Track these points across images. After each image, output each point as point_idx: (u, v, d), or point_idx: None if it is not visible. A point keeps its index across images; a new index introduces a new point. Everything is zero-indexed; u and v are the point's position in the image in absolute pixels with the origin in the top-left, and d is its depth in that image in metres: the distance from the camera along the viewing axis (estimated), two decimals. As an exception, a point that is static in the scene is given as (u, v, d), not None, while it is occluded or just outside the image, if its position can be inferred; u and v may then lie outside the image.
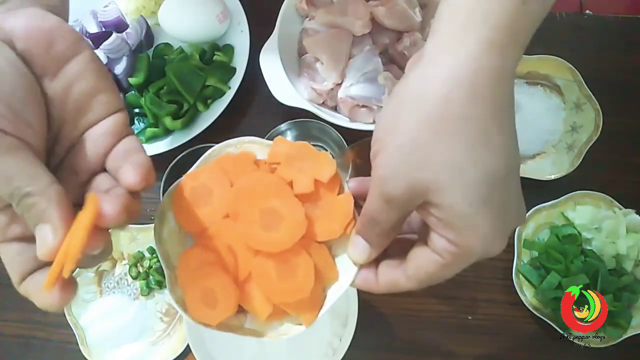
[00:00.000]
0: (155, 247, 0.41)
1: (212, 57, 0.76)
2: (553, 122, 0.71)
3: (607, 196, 0.67)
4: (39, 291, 0.28)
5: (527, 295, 0.64)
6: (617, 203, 0.67)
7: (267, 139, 0.69)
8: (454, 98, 0.28)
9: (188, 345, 0.61)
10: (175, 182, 0.42)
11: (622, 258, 0.64)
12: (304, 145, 0.46)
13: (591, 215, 0.65)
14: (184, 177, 0.42)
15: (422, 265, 0.32)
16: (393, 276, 0.34)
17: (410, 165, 0.29)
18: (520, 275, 0.65)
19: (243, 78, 0.74)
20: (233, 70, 0.75)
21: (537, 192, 0.67)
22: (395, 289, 0.34)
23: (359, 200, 0.38)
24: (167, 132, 0.74)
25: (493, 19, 0.28)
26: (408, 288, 0.33)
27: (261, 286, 0.38)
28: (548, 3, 0.30)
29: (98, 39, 0.75)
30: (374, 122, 0.67)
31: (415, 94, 0.30)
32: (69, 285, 0.28)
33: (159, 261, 0.69)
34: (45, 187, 0.27)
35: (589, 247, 0.65)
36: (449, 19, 0.30)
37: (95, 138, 0.32)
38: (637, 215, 0.65)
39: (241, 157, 0.46)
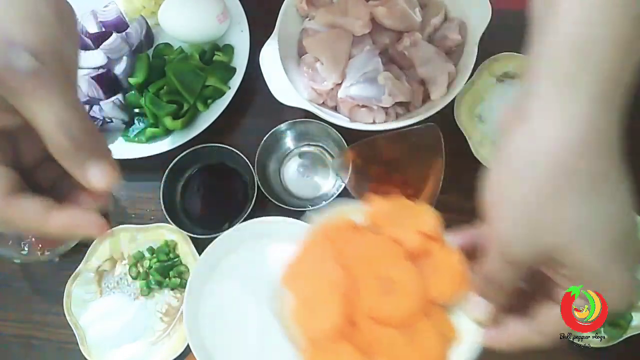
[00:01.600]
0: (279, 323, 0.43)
1: (212, 57, 0.76)
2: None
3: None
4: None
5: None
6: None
7: (267, 139, 0.70)
8: (571, 156, 0.28)
9: (188, 346, 0.61)
10: (288, 261, 0.43)
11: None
12: (399, 199, 0.45)
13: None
14: (294, 256, 0.43)
15: (553, 321, 0.33)
16: (524, 333, 0.34)
17: (535, 228, 0.29)
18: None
19: (243, 78, 0.74)
20: (233, 70, 0.75)
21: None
22: (527, 346, 0.35)
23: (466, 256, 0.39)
24: (167, 132, 0.74)
25: (599, 72, 0.28)
26: (537, 345, 0.34)
27: (390, 357, 0.38)
28: None
29: (98, 39, 0.75)
30: (374, 122, 0.66)
31: (528, 156, 0.29)
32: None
33: (158, 261, 0.69)
34: (95, 129, 0.31)
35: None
36: (549, 75, 0.29)
37: None
38: (637, 216, 0.65)
39: (342, 224, 0.44)
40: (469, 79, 0.66)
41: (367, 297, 0.40)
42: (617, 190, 0.29)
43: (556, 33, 0.29)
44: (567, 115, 0.28)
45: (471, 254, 0.37)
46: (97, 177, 0.30)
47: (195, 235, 0.68)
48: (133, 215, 0.74)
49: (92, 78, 0.72)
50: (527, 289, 0.36)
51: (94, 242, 0.71)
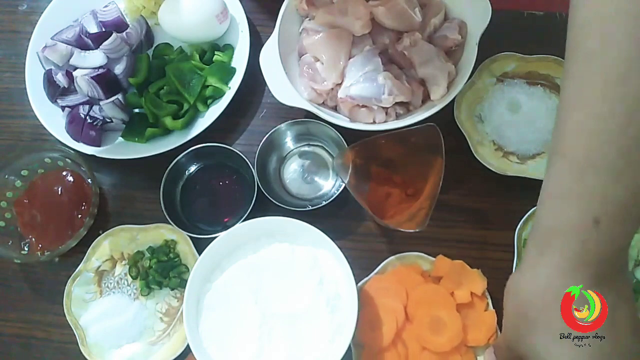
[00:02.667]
0: None
1: (212, 57, 0.76)
2: (553, 122, 0.71)
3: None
4: None
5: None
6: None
7: (267, 139, 0.70)
8: (538, 298, 0.38)
9: (188, 346, 0.61)
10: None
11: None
12: (461, 264, 0.63)
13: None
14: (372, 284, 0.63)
15: None
16: None
17: (518, 336, 0.39)
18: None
19: (243, 78, 0.74)
20: (233, 70, 0.75)
21: (537, 191, 0.66)
22: None
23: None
24: (167, 132, 0.74)
25: (575, 241, 0.36)
26: None
27: None
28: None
29: (98, 39, 0.75)
30: (374, 122, 0.66)
31: (514, 288, 0.40)
32: None
33: (158, 261, 0.69)
34: None
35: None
36: (536, 238, 0.39)
37: None
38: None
39: (411, 269, 0.64)
40: (469, 79, 0.66)
41: (420, 328, 0.59)
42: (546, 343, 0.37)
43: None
44: (536, 272, 0.38)
45: None
46: None
47: (195, 235, 0.68)
48: (133, 215, 0.74)
49: (92, 78, 0.72)
50: None
51: (93, 242, 0.71)
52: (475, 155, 0.68)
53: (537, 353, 0.37)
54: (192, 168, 0.73)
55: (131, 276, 0.70)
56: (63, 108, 0.75)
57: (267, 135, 0.69)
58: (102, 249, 0.71)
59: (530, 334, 0.38)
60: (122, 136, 0.75)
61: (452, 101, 0.66)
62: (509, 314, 0.40)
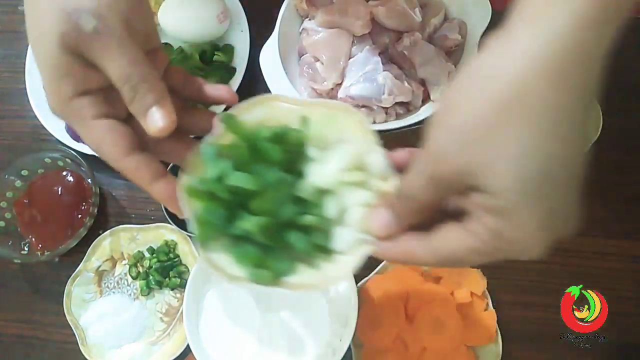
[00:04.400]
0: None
1: (212, 57, 0.76)
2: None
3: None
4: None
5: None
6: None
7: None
8: (532, 78, 0.25)
9: (188, 346, 0.61)
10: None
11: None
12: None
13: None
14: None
15: (449, 242, 0.30)
16: (411, 246, 0.32)
17: (468, 145, 0.27)
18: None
19: (243, 78, 0.74)
20: (233, 70, 0.75)
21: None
22: (410, 260, 0.32)
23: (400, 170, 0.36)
24: (167, 132, 0.74)
25: None
26: (424, 262, 0.32)
27: None
28: None
29: (98, 39, 0.75)
30: (374, 122, 0.66)
31: (487, 70, 0.27)
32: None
33: (158, 261, 0.69)
34: (157, 80, 0.35)
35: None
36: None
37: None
38: None
39: (411, 269, 0.63)
40: (469, 79, 0.66)
41: (420, 328, 0.59)
42: (569, 134, 0.26)
43: None
44: (541, 30, 0.25)
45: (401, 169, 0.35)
46: (154, 121, 0.34)
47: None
48: (133, 215, 0.74)
49: (92, 78, 0.72)
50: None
51: (93, 242, 0.71)
52: (475, 155, 0.68)
53: (517, 154, 0.26)
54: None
55: (131, 276, 0.70)
56: (63, 108, 0.75)
57: (267, 135, 0.69)
58: (102, 249, 0.71)
59: (514, 126, 0.26)
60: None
61: (452, 101, 0.66)
62: (469, 108, 0.27)
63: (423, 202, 0.31)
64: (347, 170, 0.35)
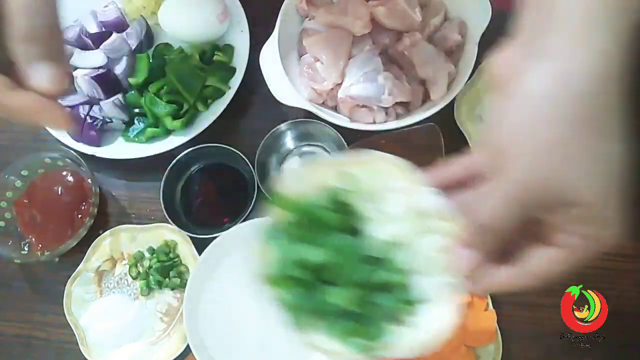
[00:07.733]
0: None
1: (212, 57, 0.76)
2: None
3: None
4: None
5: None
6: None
7: (267, 139, 0.70)
8: (598, 93, 0.27)
9: (188, 346, 0.61)
10: None
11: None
12: None
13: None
14: None
15: (546, 262, 0.31)
16: (508, 276, 0.33)
17: (555, 167, 0.28)
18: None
19: (243, 78, 0.74)
20: (233, 70, 0.75)
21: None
22: (508, 289, 0.33)
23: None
24: (167, 132, 0.74)
25: (629, 10, 0.27)
26: (524, 289, 0.33)
27: None
28: None
29: (98, 39, 0.75)
30: (374, 122, 0.66)
31: (547, 92, 0.28)
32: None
33: (158, 261, 0.69)
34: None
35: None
36: (569, 11, 0.28)
37: None
38: None
39: None
40: (469, 79, 0.66)
41: None
42: (623, 128, 0.29)
43: None
44: (592, 50, 0.27)
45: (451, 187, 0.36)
46: (41, 77, 0.29)
47: (195, 235, 0.68)
48: (133, 215, 0.74)
49: (92, 78, 0.72)
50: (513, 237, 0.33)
51: (93, 242, 0.71)
52: (475, 155, 0.68)
53: (600, 164, 0.28)
54: (192, 168, 0.73)
55: (131, 276, 0.70)
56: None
57: (267, 136, 0.69)
58: (102, 249, 0.71)
59: (594, 138, 0.28)
60: (122, 136, 0.75)
61: (452, 101, 0.66)
62: (546, 132, 0.28)
63: (505, 232, 0.31)
64: (408, 220, 0.35)
